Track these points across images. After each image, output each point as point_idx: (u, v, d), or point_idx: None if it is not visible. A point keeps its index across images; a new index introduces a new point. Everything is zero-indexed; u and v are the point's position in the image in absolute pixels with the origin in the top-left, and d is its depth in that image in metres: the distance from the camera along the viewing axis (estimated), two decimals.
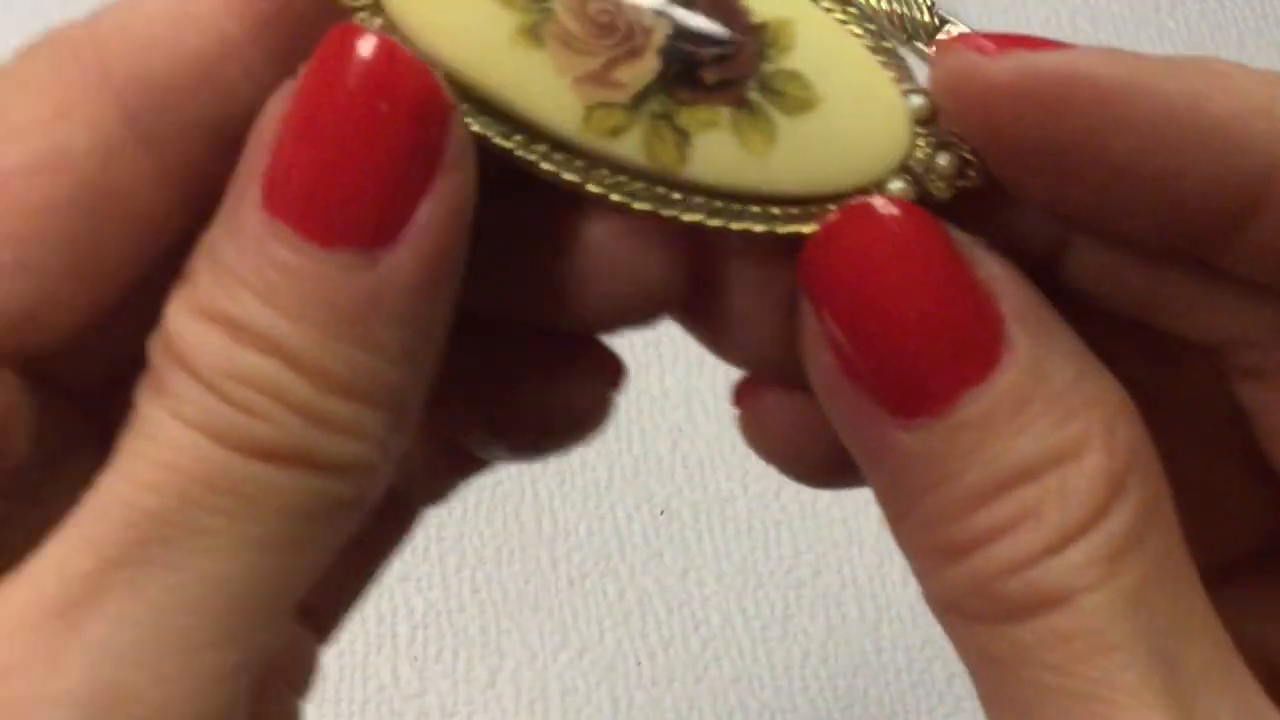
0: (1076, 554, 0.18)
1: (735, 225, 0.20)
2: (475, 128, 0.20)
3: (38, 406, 0.20)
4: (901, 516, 0.20)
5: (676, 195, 0.20)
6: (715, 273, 0.21)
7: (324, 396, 0.18)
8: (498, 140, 0.20)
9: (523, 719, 0.45)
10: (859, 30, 0.22)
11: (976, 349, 0.19)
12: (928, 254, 0.19)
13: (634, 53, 0.20)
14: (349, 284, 0.18)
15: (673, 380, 0.50)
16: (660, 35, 0.20)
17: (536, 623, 0.46)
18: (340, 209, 0.18)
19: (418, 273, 0.18)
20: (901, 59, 0.22)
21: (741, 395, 0.24)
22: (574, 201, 0.21)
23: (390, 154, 0.18)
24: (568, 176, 0.20)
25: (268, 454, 0.18)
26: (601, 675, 0.45)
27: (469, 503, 0.46)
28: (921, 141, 0.21)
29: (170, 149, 0.20)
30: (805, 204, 0.20)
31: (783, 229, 0.20)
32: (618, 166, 0.20)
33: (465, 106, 0.20)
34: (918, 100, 0.21)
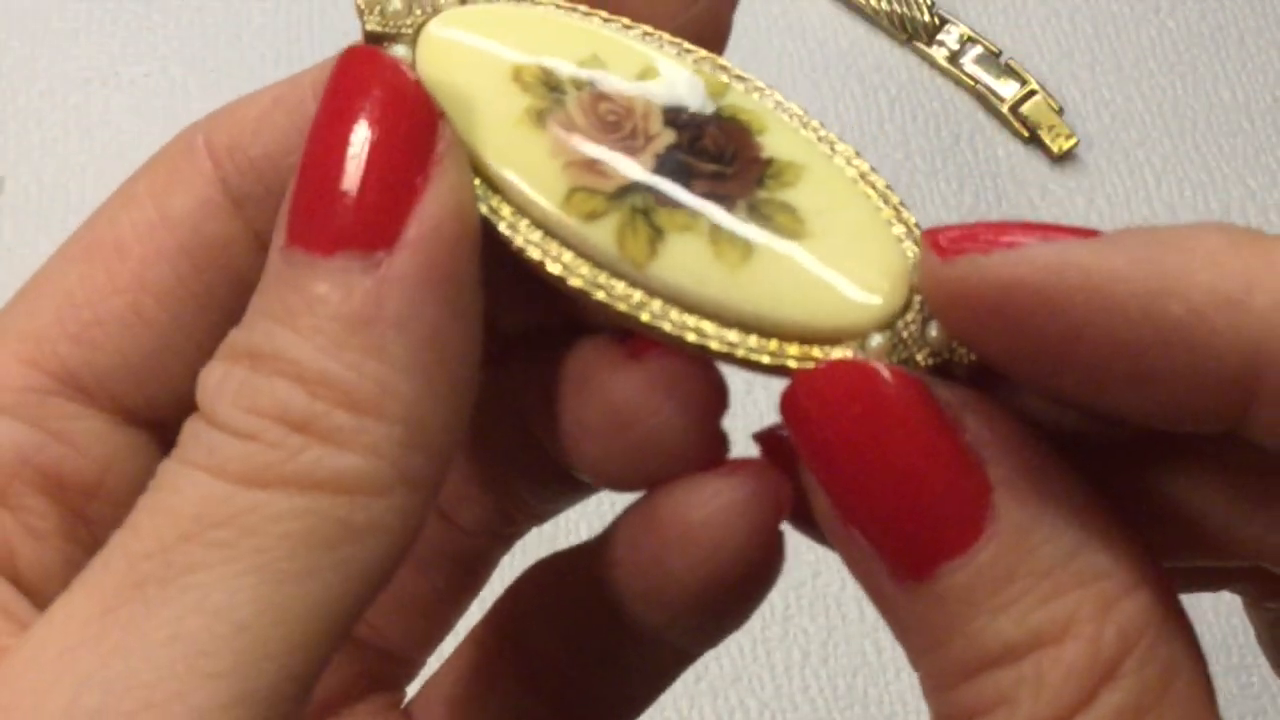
0: None
1: (691, 338, 0.20)
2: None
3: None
4: (916, 664, 0.19)
5: (637, 296, 0.20)
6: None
7: (327, 410, 0.18)
8: (480, 206, 0.20)
9: None
10: (878, 190, 0.21)
11: (957, 520, 0.18)
12: (911, 421, 0.18)
13: (630, 151, 0.20)
14: (352, 288, 0.18)
15: None
16: (662, 143, 0.20)
17: None
18: (335, 215, 0.18)
19: (419, 272, 0.18)
20: (916, 228, 0.20)
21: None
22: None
23: (376, 151, 0.19)
24: (532, 252, 0.20)
25: (266, 480, 0.18)
26: None
27: None
28: (916, 305, 0.20)
29: (260, 213, 0.21)
30: (766, 334, 0.20)
31: (742, 353, 0.20)
32: (585, 254, 0.20)
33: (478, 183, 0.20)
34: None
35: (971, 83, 0.56)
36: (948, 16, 0.57)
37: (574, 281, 0.20)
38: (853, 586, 0.48)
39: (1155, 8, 0.59)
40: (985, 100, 0.56)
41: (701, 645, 0.24)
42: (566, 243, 0.20)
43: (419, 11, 0.21)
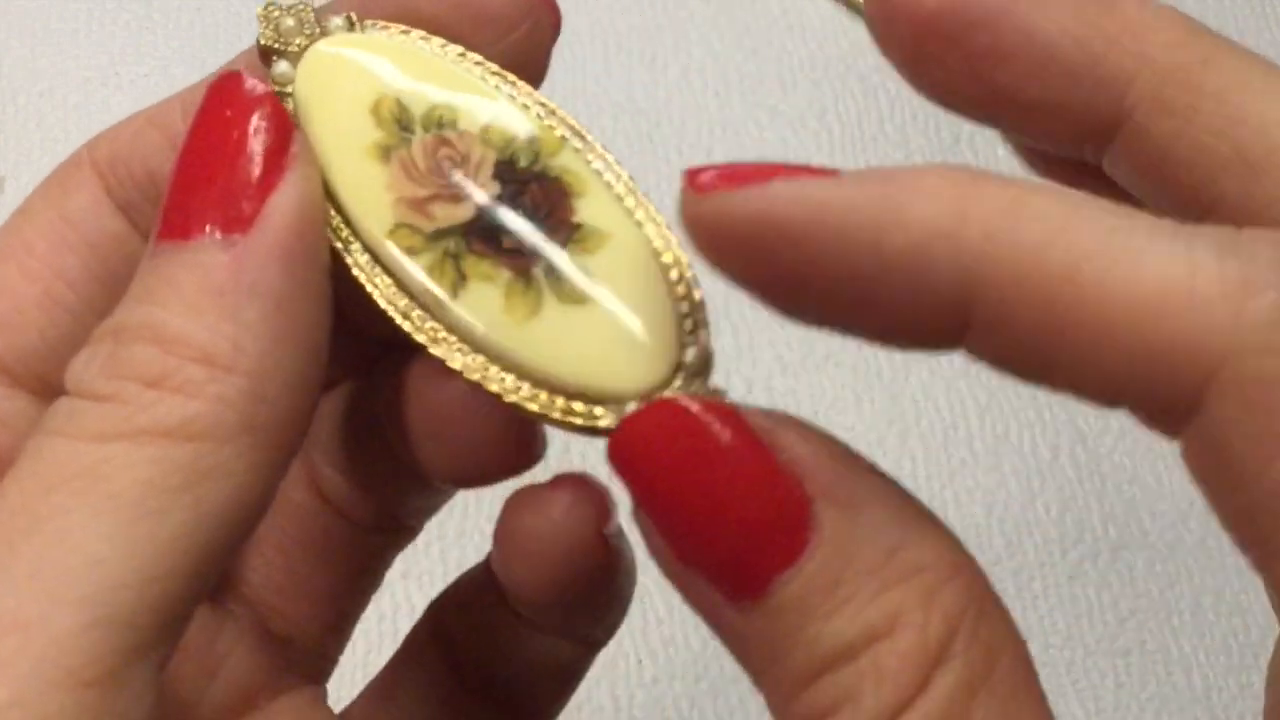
0: None
1: (476, 377, 0.22)
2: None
3: None
4: (760, 685, 0.20)
5: (440, 331, 0.22)
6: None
7: (182, 364, 0.20)
8: (329, 226, 0.23)
9: None
10: (678, 287, 0.22)
11: (782, 534, 0.19)
12: (728, 448, 0.19)
13: (454, 198, 0.23)
14: (208, 263, 0.21)
15: None
16: (485, 194, 0.23)
17: None
18: (197, 204, 0.21)
19: (270, 249, 0.21)
20: (703, 320, 0.22)
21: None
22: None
23: (236, 151, 0.21)
24: (356, 272, 0.23)
25: (118, 433, 0.20)
26: (602, 673, 0.45)
27: (470, 500, 0.47)
28: (679, 381, 0.22)
29: (140, 216, 0.24)
30: (537, 382, 0.22)
31: (530, 406, 0.22)
32: (395, 277, 0.22)
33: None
34: (691, 354, 0.22)
35: None
36: None
37: (385, 307, 0.22)
38: None
39: None
40: None
41: (587, 638, 0.27)
42: (388, 270, 0.23)
43: (309, 32, 0.24)
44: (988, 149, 0.55)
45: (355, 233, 0.23)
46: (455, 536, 0.47)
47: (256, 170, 0.21)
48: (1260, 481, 0.17)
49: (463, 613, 0.28)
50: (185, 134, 0.22)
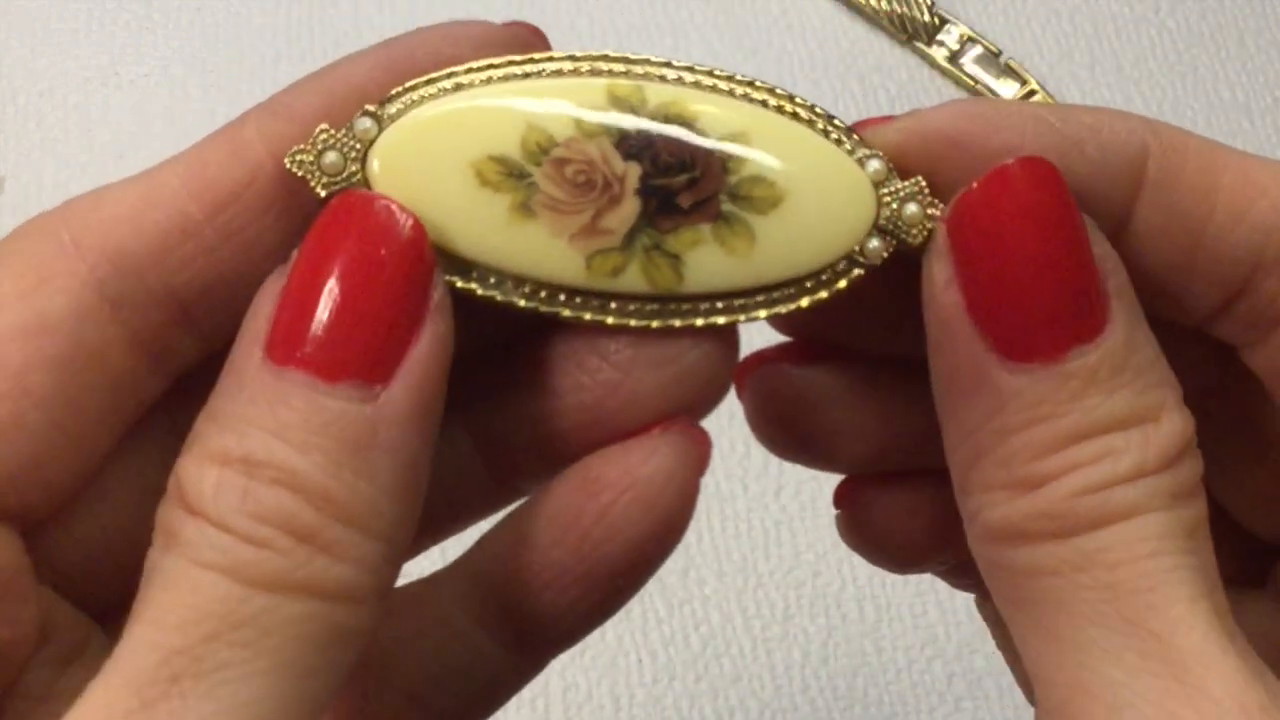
0: (1147, 485, 0.21)
1: (743, 317, 0.23)
2: (498, 296, 0.23)
3: (45, 605, 0.22)
4: (979, 455, 0.22)
5: (686, 306, 0.23)
6: (805, 403, 0.25)
7: (328, 522, 0.20)
8: (521, 302, 0.23)
9: (524, 715, 0.45)
10: (805, 116, 0.24)
11: (1089, 313, 0.21)
12: (1063, 220, 0.22)
13: (614, 200, 0.22)
14: (351, 415, 0.20)
15: None
16: (634, 178, 0.22)
17: None
18: (343, 347, 0.20)
19: (409, 406, 0.21)
20: (851, 134, 0.23)
21: (843, 495, 0.27)
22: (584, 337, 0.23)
23: (387, 296, 0.21)
24: (589, 317, 0.23)
25: (280, 585, 0.20)
26: (603, 672, 0.45)
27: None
28: (887, 198, 0.23)
29: (137, 315, 0.22)
30: (798, 283, 0.23)
31: (786, 308, 0.23)
32: (628, 298, 0.23)
33: (474, 273, 0.23)
34: (875, 165, 0.23)
35: (971, 83, 0.56)
36: (948, 16, 0.57)
37: (639, 325, 0.23)
38: (853, 586, 0.48)
39: (1155, 8, 0.59)
40: None
41: (539, 648, 0.26)
42: (606, 298, 0.23)
43: (352, 154, 0.22)
44: None
45: (558, 293, 0.23)
46: (455, 536, 0.47)
47: (404, 321, 0.21)
48: None
49: (405, 619, 0.27)
50: (311, 250, 0.21)
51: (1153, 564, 0.21)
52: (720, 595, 0.46)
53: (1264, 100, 0.57)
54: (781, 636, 0.47)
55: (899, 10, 0.56)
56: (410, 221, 0.21)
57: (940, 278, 0.22)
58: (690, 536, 0.47)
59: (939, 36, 0.56)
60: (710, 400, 0.24)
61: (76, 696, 0.20)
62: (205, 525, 0.20)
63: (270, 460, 0.20)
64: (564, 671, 0.45)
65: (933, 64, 0.56)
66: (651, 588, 0.46)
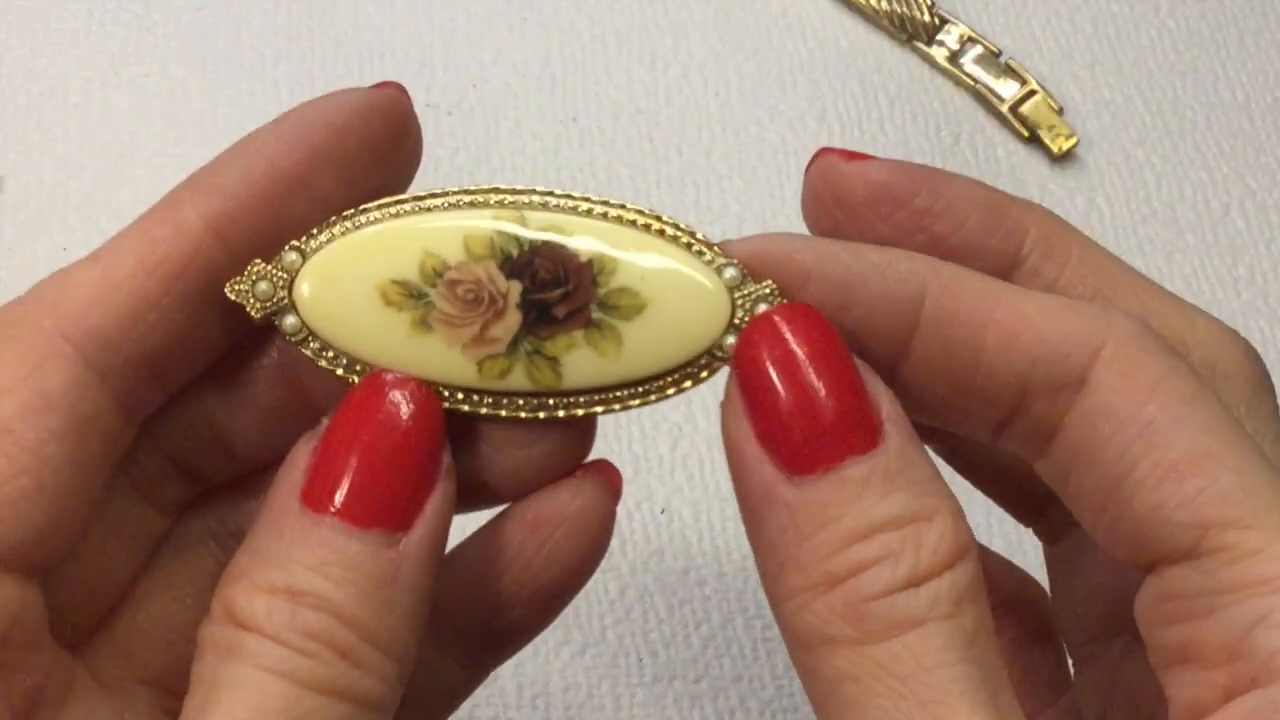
0: (929, 591, 0.24)
1: (619, 407, 0.27)
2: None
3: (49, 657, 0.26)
4: (781, 566, 0.25)
5: (568, 400, 0.27)
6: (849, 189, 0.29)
7: (360, 644, 0.24)
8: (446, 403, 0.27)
9: (525, 715, 0.45)
10: (670, 233, 0.27)
11: (863, 428, 0.25)
12: (838, 356, 0.25)
13: (499, 314, 0.26)
14: (379, 557, 0.25)
15: None
16: (515, 294, 0.26)
17: None
18: (376, 501, 0.25)
19: (426, 549, 0.25)
20: (711, 246, 0.27)
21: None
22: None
23: (413, 460, 0.26)
24: (484, 411, 0.27)
25: (327, 690, 0.24)
26: (603, 672, 0.45)
27: None
28: (741, 299, 0.26)
29: (119, 380, 0.26)
30: (664, 376, 0.27)
31: (657, 398, 0.27)
32: (515, 394, 0.27)
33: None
34: (731, 272, 0.26)
35: (971, 83, 0.56)
36: (948, 16, 0.57)
37: (528, 416, 0.27)
38: None
39: (1155, 8, 0.59)
40: (985, 100, 0.56)
41: (485, 661, 0.31)
42: (497, 399, 0.27)
43: (280, 282, 0.26)
44: (986, 149, 0.55)
45: (457, 392, 0.27)
46: (456, 536, 0.47)
47: (425, 482, 0.26)
48: (1136, 419, 0.24)
49: None
50: (348, 417, 0.25)
51: (935, 676, 0.23)
52: (720, 595, 0.46)
53: (1264, 100, 0.57)
54: (781, 636, 0.47)
55: (899, 10, 0.56)
56: (431, 403, 0.26)
57: (730, 414, 0.25)
58: (691, 537, 0.48)
59: (939, 36, 0.56)
60: (572, 463, 0.28)
61: None
62: (264, 639, 0.24)
63: (312, 590, 0.24)
64: (564, 671, 0.45)
65: (933, 64, 0.56)
66: (652, 588, 0.46)
